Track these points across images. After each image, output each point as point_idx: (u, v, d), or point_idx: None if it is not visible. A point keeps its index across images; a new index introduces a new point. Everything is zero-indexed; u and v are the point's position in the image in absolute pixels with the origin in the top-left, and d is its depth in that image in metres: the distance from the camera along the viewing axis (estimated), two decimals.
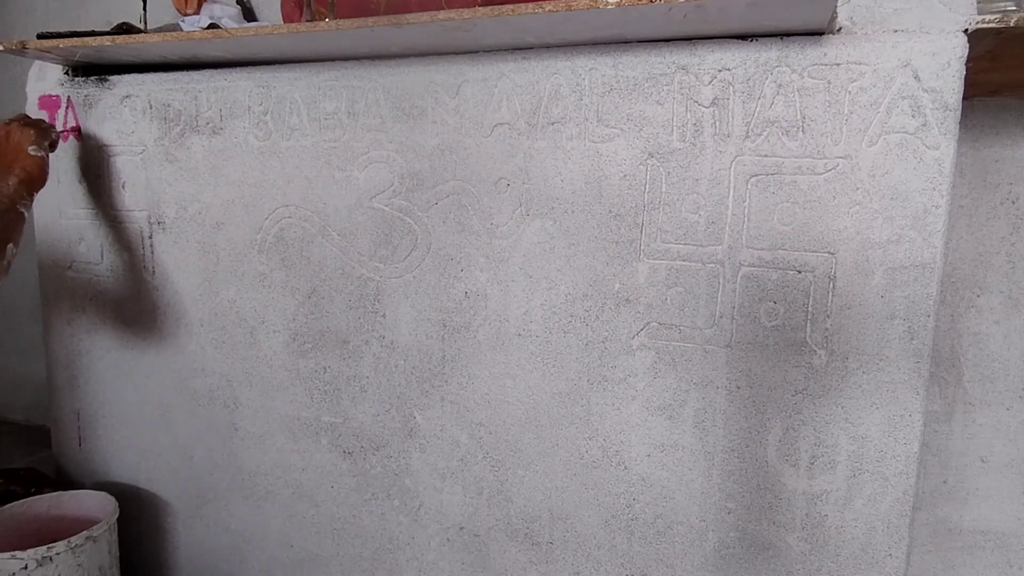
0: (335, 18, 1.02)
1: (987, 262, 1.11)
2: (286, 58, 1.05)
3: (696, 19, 0.77)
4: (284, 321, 1.12)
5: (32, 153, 1.06)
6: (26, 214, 1.04)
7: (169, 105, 1.15)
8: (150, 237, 1.19)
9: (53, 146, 1.12)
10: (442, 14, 0.81)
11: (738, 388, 0.87)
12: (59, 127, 1.22)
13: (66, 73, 1.22)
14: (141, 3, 1.30)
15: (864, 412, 0.83)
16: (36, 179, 1.06)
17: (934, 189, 0.77)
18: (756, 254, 0.85)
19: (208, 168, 1.14)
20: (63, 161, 1.24)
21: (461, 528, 1.05)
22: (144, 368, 1.24)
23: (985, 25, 0.72)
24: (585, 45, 0.90)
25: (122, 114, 1.18)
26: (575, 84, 0.90)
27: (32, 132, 1.07)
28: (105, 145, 1.20)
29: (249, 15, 1.44)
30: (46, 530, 1.18)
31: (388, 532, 1.11)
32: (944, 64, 0.75)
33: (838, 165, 0.80)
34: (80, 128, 1.21)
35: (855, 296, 0.81)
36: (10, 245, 0.99)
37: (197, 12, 1.25)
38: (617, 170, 0.90)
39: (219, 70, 1.11)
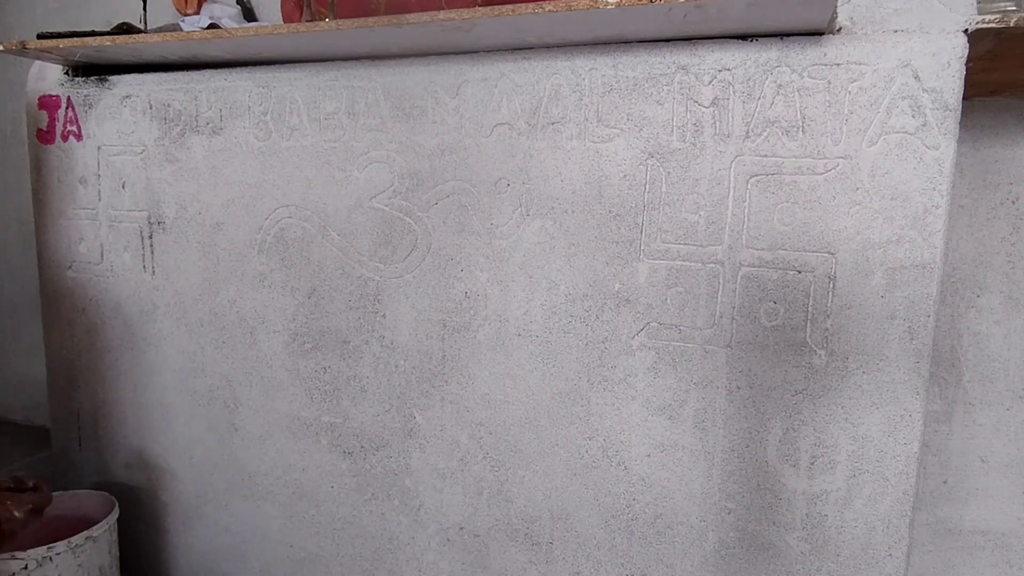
0: (335, 18, 1.02)
1: (987, 262, 1.11)
2: (286, 58, 1.05)
3: (696, 19, 0.77)
4: (284, 321, 1.12)
5: (15, 515, 0.97)
6: None
7: (169, 105, 1.15)
8: (150, 237, 1.19)
9: (39, 512, 1.01)
10: (442, 14, 0.81)
11: (738, 388, 0.87)
12: (59, 127, 1.22)
13: (66, 73, 1.22)
14: (141, 3, 1.30)
15: (864, 412, 0.83)
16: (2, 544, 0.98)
17: (934, 189, 0.77)
18: (756, 254, 0.85)
19: (208, 168, 1.14)
20: (63, 161, 1.24)
21: (461, 528, 1.05)
22: (144, 368, 1.24)
23: (985, 25, 0.72)
24: (585, 45, 0.90)
25: (122, 114, 1.18)
26: (575, 84, 0.90)
27: (10, 504, 0.97)
28: (105, 145, 1.20)
29: (249, 15, 1.44)
30: (46, 530, 1.18)
31: (388, 532, 1.11)
32: (944, 64, 0.75)
33: (838, 165, 0.80)
34: (80, 128, 1.21)
35: (855, 296, 0.81)
36: None
37: (197, 12, 1.25)
38: (617, 170, 0.90)
39: (219, 70, 1.11)
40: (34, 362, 2.07)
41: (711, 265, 0.87)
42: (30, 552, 1.02)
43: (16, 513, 0.98)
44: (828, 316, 0.82)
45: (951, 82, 0.76)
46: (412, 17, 0.83)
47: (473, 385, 1.01)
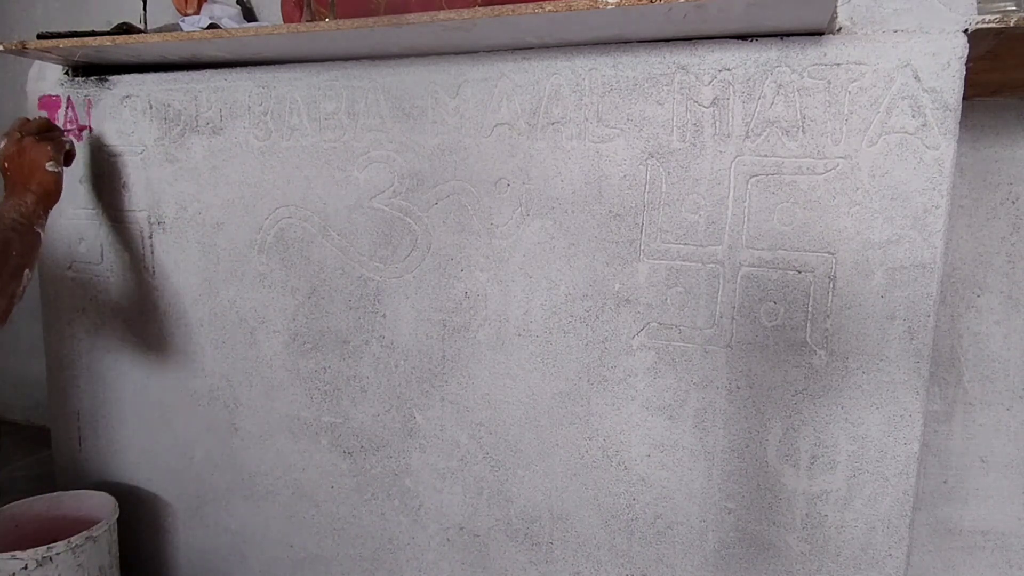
0: (335, 18, 1.02)
1: (987, 262, 1.11)
2: (286, 58, 1.05)
3: (696, 19, 0.77)
4: (284, 321, 1.12)
5: (50, 170, 1.02)
6: (42, 234, 1.01)
7: (169, 105, 1.15)
8: (150, 237, 1.19)
9: (69, 159, 1.09)
10: (442, 14, 0.81)
11: (738, 388, 0.87)
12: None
13: (66, 73, 1.22)
14: (141, 3, 1.30)
15: (864, 412, 0.83)
16: (52, 196, 1.03)
17: (934, 189, 0.77)
18: (756, 254, 0.85)
19: (208, 168, 1.14)
20: None
21: (461, 528, 1.05)
22: (144, 368, 1.24)
23: (985, 25, 0.72)
24: (585, 45, 0.90)
25: (122, 114, 1.18)
26: (575, 84, 0.90)
27: (49, 148, 1.03)
28: (105, 145, 1.20)
29: (249, 15, 1.44)
30: (46, 530, 1.18)
31: (388, 532, 1.11)
32: (944, 64, 0.75)
33: (838, 165, 0.80)
34: (80, 128, 1.21)
35: (855, 296, 0.81)
36: (27, 271, 0.94)
37: (197, 12, 1.25)
38: (617, 170, 0.90)
39: (219, 70, 1.11)
40: (34, 362, 2.08)
41: (711, 265, 0.87)
42: (30, 552, 1.02)
43: (54, 169, 1.04)
44: (828, 316, 0.82)
45: (951, 82, 0.76)
46: (412, 17, 0.83)
47: (473, 385, 1.01)
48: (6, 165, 1.02)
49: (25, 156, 1.01)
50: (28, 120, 1.07)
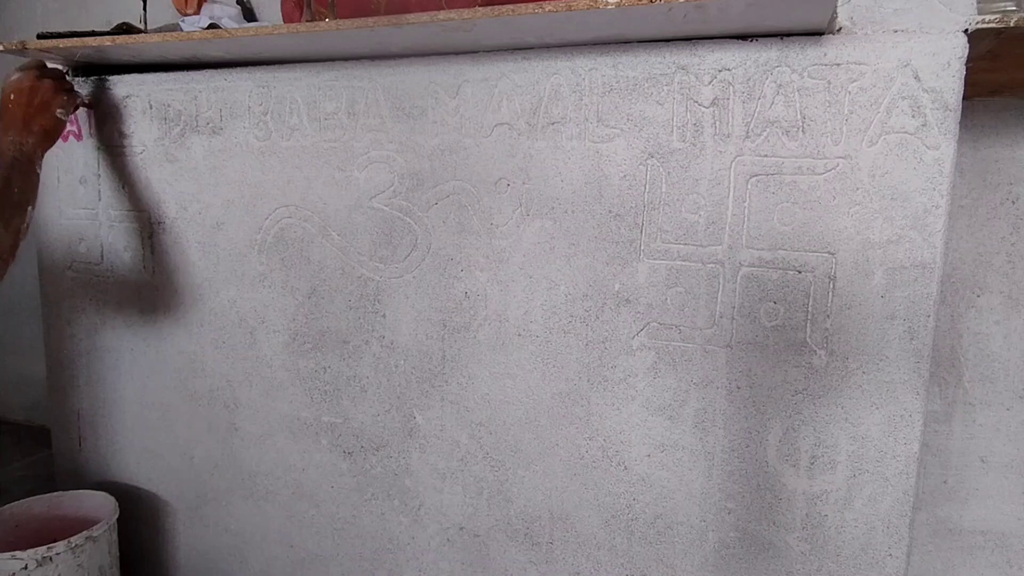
0: (335, 18, 1.02)
1: (987, 262, 1.11)
2: (286, 58, 1.05)
3: (696, 19, 0.77)
4: (284, 321, 1.12)
5: (59, 116, 1.05)
6: (40, 174, 1.03)
7: (169, 105, 1.15)
8: (150, 237, 1.19)
9: (76, 109, 1.13)
10: (442, 14, 0.81)
11: (738, 388, 0.87)
12: None
13: (66, 73, 1.22)
14: (141, 3, 1.30)
15: (864, 412, 0.83)
16: (52, 140, 1.05)
17: (934, 189, 0.77)
18: (756, 254, 0.85)
19: (208, 168, 1.14)
20: (63, 161, 1.24)
21: (461, 528, 1.05)
22: (144, 368, 1.24)
23: (985, 25, 0.72)
24: (585, 45, 0.90)
25: (122, 114, 1.18)
26: (575, 84, 0.90)
27: (64, 97, 1.06)
28: (105, 145, 1.20)
29: (249, 15, 1.44)
30: (46, 530, 1.18)
31: (388, 532, 1.11)
32: (944, 64, 0.75)
33: (838, 165, 0.80)
34: (80, 128, 1.21)
35: (855, 296, 0.81)
36: (30, 208, 0.97)
37: (197, 12, 1.25)
38: (617, 170, 0.90)
39: (219, 70, 1.11)
40: (34, 362, 2.08)
41: (711, 265, 0.87)
42: (30, 552, 1.02)
43: (63, 117, 1.06)
44: (828, 316, 0.82)
45: (951, 82, 0.76)
46: (412, 17, 0.83)
47: (473, 385, 1.01)
48: (12, 97, 1.02)
49: (37, 95, 1.03)
50: (47, 64, 1.08)
